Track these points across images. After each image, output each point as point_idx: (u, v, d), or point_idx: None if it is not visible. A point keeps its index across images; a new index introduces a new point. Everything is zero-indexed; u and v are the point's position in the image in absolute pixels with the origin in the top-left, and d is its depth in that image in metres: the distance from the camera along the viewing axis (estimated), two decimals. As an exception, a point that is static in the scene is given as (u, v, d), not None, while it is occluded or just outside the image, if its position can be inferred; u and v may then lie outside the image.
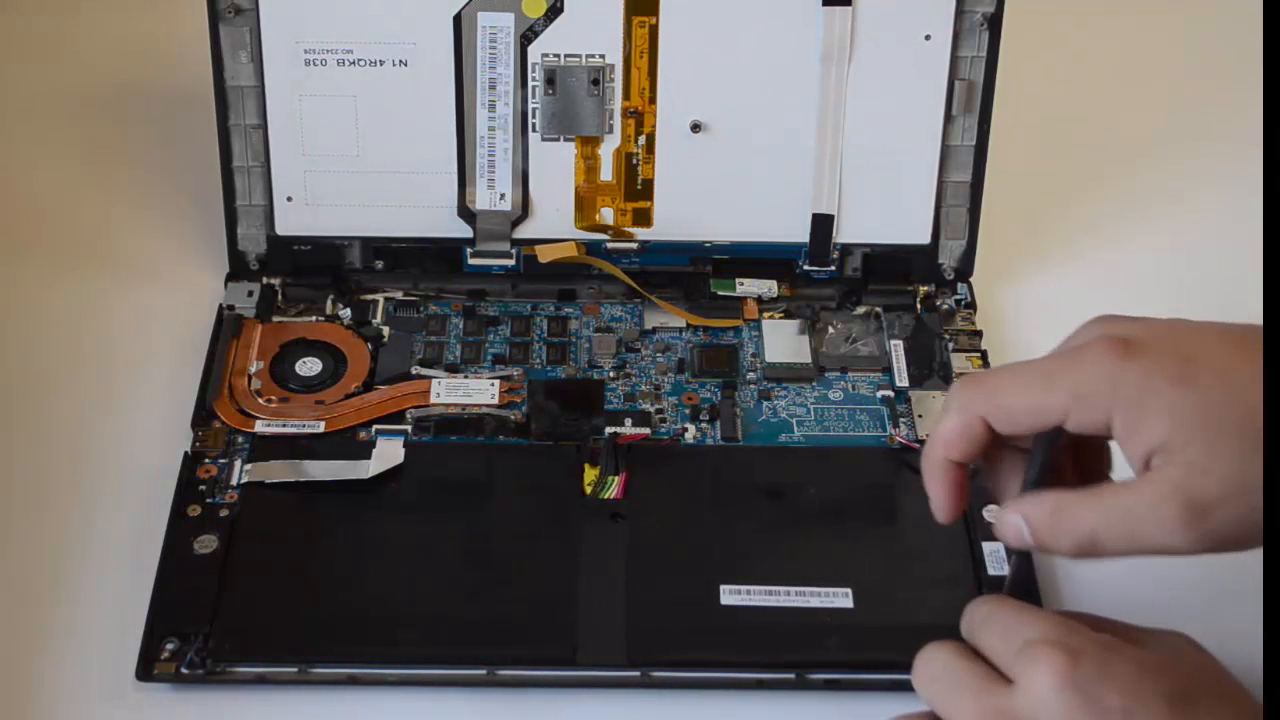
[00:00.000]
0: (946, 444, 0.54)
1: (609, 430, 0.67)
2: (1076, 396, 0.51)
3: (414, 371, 0.69)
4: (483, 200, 0.72)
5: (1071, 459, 0.55)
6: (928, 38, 0.70)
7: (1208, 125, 0.86)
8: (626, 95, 0.71)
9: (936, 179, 0.72)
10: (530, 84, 0.70)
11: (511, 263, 0.73)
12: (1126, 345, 0.51)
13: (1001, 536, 0.54)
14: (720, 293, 0.73)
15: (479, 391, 0.68)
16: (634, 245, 0.73)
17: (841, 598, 0.60)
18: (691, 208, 0.72)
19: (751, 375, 0.70)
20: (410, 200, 0.72)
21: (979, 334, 0.72)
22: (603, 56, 0.70)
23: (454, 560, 0.62)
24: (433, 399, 0.68)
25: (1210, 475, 0.50)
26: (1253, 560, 0.62)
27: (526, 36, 0.70)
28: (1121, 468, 0.53)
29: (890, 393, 0.69)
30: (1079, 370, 0.52)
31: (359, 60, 0.70)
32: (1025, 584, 0.56)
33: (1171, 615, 0.62)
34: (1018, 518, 0.53)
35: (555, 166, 0.72)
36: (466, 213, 0.72)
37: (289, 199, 0.72)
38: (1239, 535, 0.50)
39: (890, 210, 0.73)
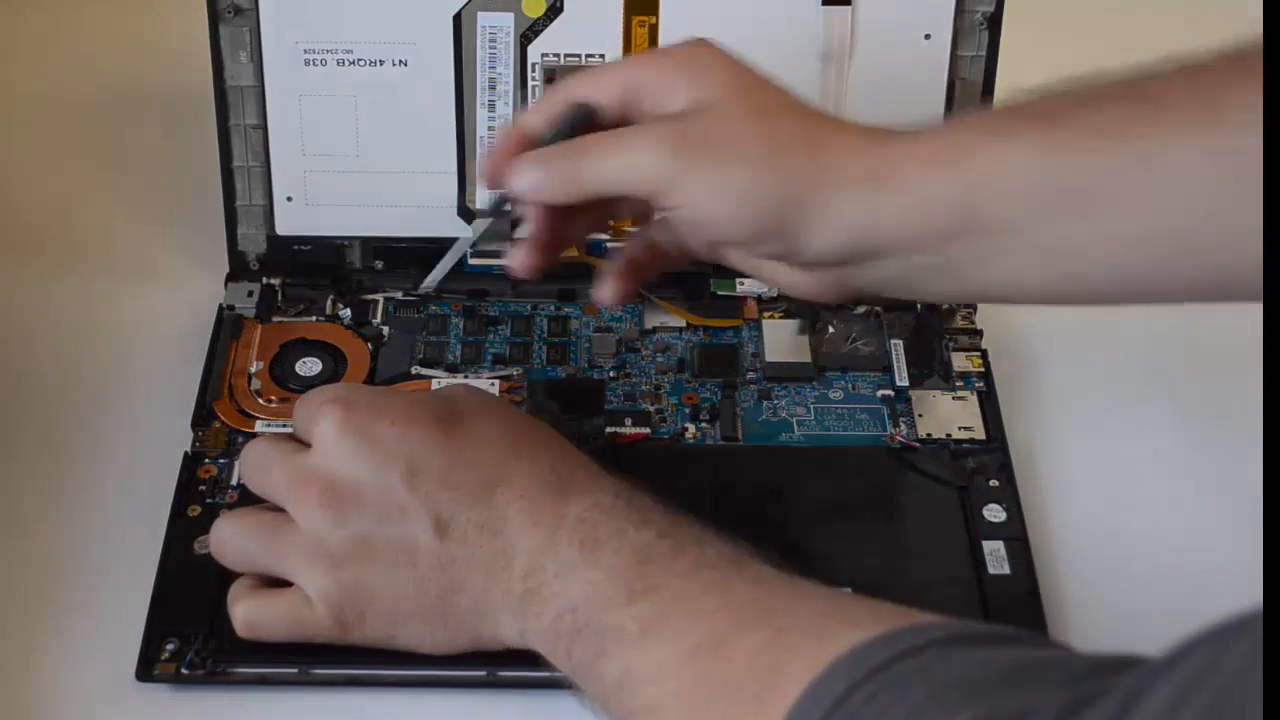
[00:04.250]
0: (513, 134, 0.58)
1: (609, 430, 0.67)
2: (641, 68, 0.57)
3: (414, 371, 0.69)
4: (483, 200, 0.72)
5: None
6: (928, 37, 0.70)
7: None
8: (626, 95, 0.71)
9: (936, 179, 0.72)
10: (530, 84, 0.70)
11: (512, 263, 0.73)
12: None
13: (518, 184, 0.57)
14: (720, 293, 0.73)
15: (479, 391, 0.68)
16: (634, 245, 0.73)
17: (841, 598, 0.60)
18: (691, 207, 0.72)
19: (751, 375, 0.70)
20: (410, 200, 0.72)
21: (979, 333, 0.72)
22: (603, 56, 0.70)
23: (454, 560, 0.61)
24: (433, 399, 0.68)
25: (727, 124, 0.55)
26: (1254, 559, 0.62)
27: (526, 36, 0.70)
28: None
29: (890, 392, 0.69)
30: (643, 58, 0.60)
31: (359, 60, 0.70)
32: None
33: (1172, 612, 0.62)
34: (533, 164, 0.56)
35: (555, 166, 0.72)
36: (466, 212, 0.72)
37: (289, 199, 0.72)
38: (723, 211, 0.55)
39: (890, 210, 0.72)
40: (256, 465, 0.58)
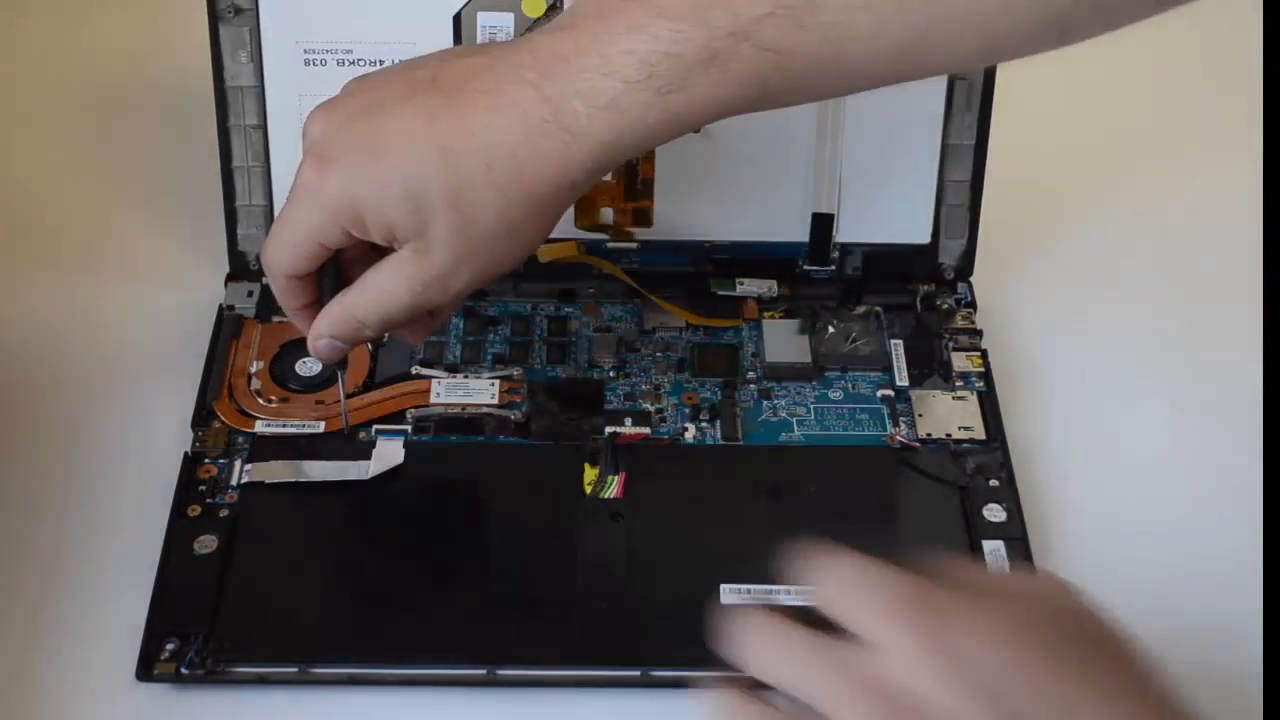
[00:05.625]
0: (285, 301, 0.60)
1: (609, 430, 0.67)
2: (315, 231, 0.56)
3: (414, 371, 0.69)
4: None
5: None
6: (927, 37, 0.69)
7: (1208, 123, 0.86)
8: (626, 95, 0.70)
9: (936, 178, 0.72)
10: (530, 84, 0.70)
11: (511, 262, 0.73)
12: (321, 162, 0.55)
13: (321, 358, 0.60)
14: (720, 293, 0.73)
15: (479, 391, 0.68)
16: (634, 245, 0.73)
17: (841, 597, 0.60)
18: (691, 208, 0.72)
19: (751, 375, 0.70)
20: (410, 200, 0.72)
21: (979, 333, 0.72)
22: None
23: (454, 560, 0.62)
24: (433, 399, 0.68)
25: (432, 252, 0.55)
26: (1254, 559, 0.62)
27: (526, 36, 0.69)
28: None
29: (890, 392, 0.69)
30: (302, 212, 0.56)
31: (359, 60, 0.70)
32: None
33: (1172, 612, 0.62)
34: (324, 339, 0.59)
35: (555, 166, 0.72)
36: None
37: (289, 199, 0.72)
38: (491, 276, 0.57)
39: (890, 210, 0.73)
40: (787, 654, 0.46)
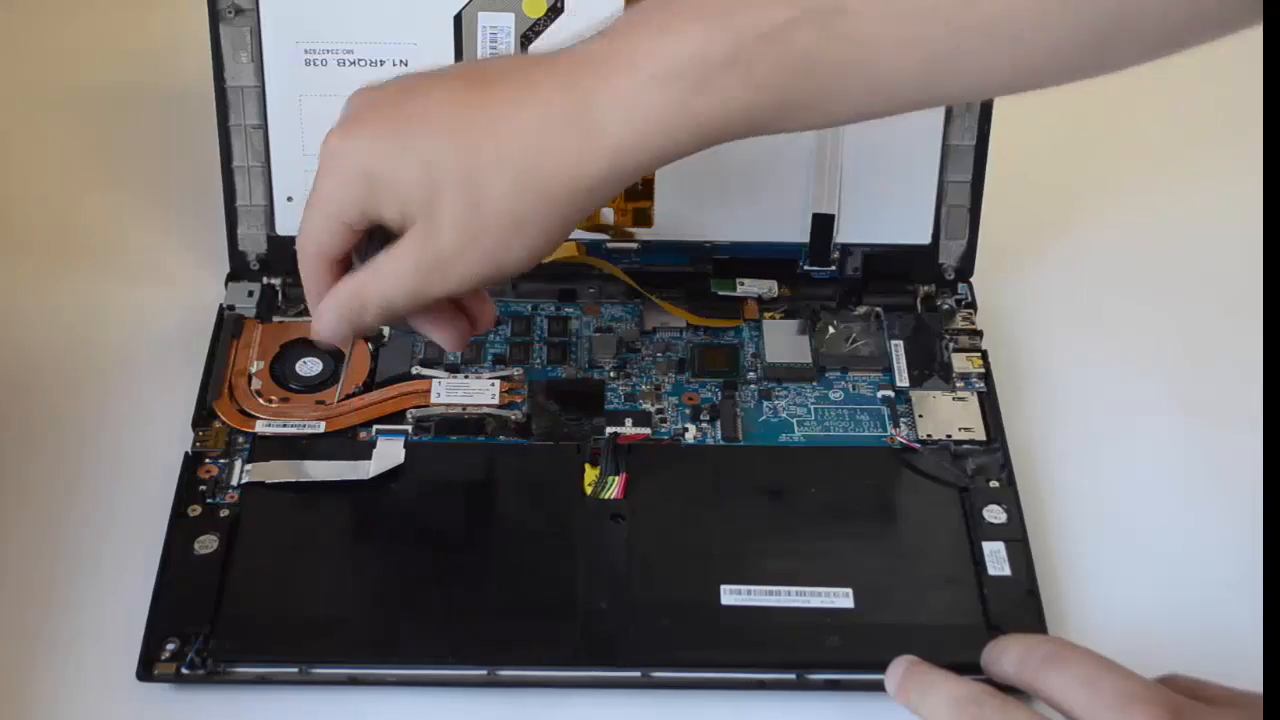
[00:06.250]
0: (312, 289, 0.59)
1: (609, 430, 0.67)
2: (335, 201, 0.56)
3: (414, 371, 0.69)
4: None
5: None
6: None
7: (1209, 123, 0.86)
8: (627, 95, 0.70)
9: (937, 179, 0.72)
10: (530, 84, 0.70)
11: (512, 263, 0.73)
12: (346, 127, 0.56)
13: (321, 335, 0.60)
14: (720, 293, 0.73)
15: (479, 391, 0.68)
16: (634, 245, 0.73)
17: (841, 598, 0.60)
18: (691, 208, 0.72)
19: (752, 375, 0.70)
20: (410, 200, 0.72)
21: (979, 334, 0.72)
22: (603, 56, 0.70)
23: (454, 560, 0.62)
24: (433, 399, 0.68)
25: (438, 233, 0.55)
26: (1254, 558, 0.62)
27: (527, 36, 0.69)
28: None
29: (890, 393, 0.69)
30: (324, 180, 0.56)
31: (359, 60, 0.70)
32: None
33: (1172, 613, 0.62)
34: (327, 315, 0.58)
35: (555, 166, 0.72)
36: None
37: (289, 199, 0.72)
38: (495, 269, 0.56)
39: (890, 210, 0.73)
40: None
